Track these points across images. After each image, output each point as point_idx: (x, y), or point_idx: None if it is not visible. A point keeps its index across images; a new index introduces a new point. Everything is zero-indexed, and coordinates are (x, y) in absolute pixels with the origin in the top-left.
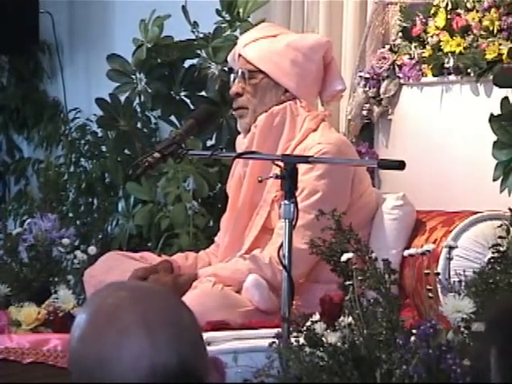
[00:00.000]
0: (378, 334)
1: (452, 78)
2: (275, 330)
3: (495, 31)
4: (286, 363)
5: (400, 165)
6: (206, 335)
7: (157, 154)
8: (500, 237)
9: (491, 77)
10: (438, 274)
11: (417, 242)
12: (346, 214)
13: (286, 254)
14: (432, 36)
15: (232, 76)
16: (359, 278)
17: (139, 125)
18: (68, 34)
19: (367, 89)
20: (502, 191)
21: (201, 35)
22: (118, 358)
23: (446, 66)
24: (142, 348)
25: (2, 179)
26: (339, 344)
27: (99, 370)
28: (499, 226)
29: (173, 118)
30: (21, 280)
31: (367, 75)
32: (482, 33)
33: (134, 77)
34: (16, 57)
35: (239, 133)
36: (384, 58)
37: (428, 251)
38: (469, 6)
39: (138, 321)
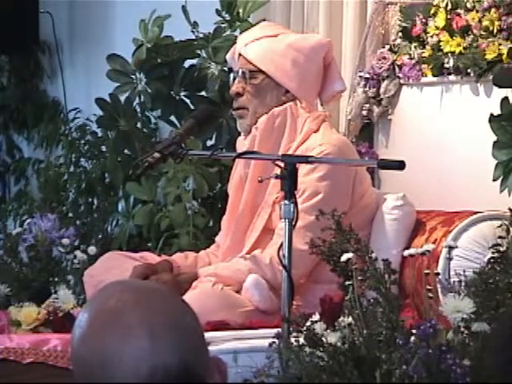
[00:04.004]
0: (377, 333)
1: (452, 78)
2: (275, 330)
3: (495, 31)
4: (286, 363)
5: (400, 165)
6: (206, 335)
7: (157, 154)
8: (500, 237)
9: (491, 77)
10: (438, 274)
11: (417, 242)
12: (347, 214)
13: (286, 254)
14: (432, 36)
15: (232, 75)
16: (359, 278)
17: (139, 125)
18: (68, 34)
19: (367, 89)
20: (501, 191)
21: (201, 35)
22: (119, 360)
23: (446, 66)
24: (143, 350)
25: (2, 179)
26: (339, 344)
27: (100, 371)
28: (499, 226)
29: (173, 118)
30: (21, 280)
31: (367, 75)
32: (482, 33)
33: (133, 77)
34: (16, 57)
35: (239, 133)
36: (384, 58)
37: (428, 251)
38: (469, 5)
39: (140, 323)
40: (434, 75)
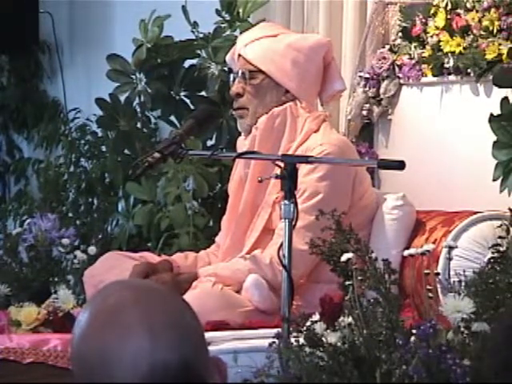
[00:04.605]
0: (377, 333)
1: (452, 78)
2: (275, 330)
3: (495, 31)
4: (286, 363)
5: (400, 165)
6: (206, 335)
7: (157, 154)
8: (500, 237)
9: (491, 77)
10: (438, 273)
11: (417, 242)
12: (347, 214)
13: (286, 254)
14: (432, 36)
15: (232, 76)
16: (359, 278)
17: (139, 125)
18: (68, 34)
19: (367, 89)
20: (501, 191)
21: (201, 35)
22: (119, 359)
23: (446, 66)
24: (143, 349)
25: (2, 179)
26: (339, 344)
27: (100, 370)
28: (499, 226)
29: (173, 118)
30: (21, 280)
31: (367, 75)
32: (482, 33)
33: (133, 77)
34: (16, 57)
35: (239, 133)
36: (384, 57)
37: (428, 251)
38: (469, 6)
39: (140, 322)
40: (434, 75)
